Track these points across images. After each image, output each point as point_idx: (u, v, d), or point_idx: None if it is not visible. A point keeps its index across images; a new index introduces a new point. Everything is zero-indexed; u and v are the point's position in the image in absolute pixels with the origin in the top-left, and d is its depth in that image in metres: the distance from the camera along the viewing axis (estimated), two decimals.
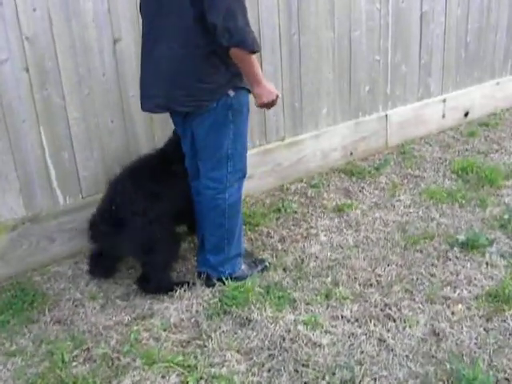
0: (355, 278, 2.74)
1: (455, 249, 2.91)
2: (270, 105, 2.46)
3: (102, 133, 2.96)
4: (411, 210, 3.36)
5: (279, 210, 3.44)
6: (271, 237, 3.18)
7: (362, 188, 3.67)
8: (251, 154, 3.49)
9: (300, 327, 2.41)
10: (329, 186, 3.74)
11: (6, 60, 2.60)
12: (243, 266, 2.81)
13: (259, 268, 2.83)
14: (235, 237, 2.70)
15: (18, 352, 2.41)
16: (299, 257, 2.95)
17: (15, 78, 2.64)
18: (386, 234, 3.11)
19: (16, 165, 2.76)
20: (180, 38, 2.29)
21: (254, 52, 2.28)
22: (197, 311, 2.60)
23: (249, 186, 3.52)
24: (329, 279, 2.74)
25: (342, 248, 3.01)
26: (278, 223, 3.31)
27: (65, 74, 2.77)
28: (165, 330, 2.48)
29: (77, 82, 2.81)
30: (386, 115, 4.12)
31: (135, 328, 2.49)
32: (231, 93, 2.40)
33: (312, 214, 3.38)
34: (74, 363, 2.33)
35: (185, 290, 2.71)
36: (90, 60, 2.82)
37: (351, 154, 3.99)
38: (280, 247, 3.05)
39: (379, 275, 2.74)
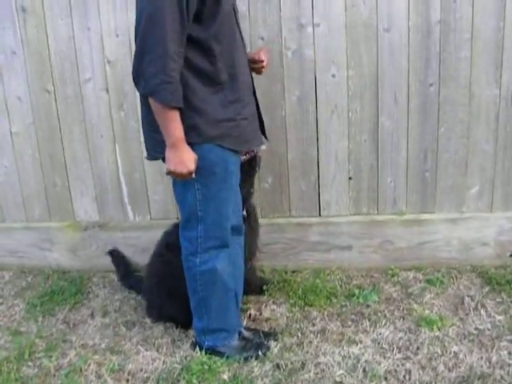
0: None
1: None
2: (178, 176, 2.00)
3: None
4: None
5: (353, 296, 2.77)
6: (313, 324, 2.60)
7: (483, 305, 2.60)
8: (353, 220, 2.93)
9: None
10: (447, 288, 2.79)
11: (89, 79, 2.89)
12: (235, 342, 2.42)
13: (249, 354, 2.38)
14: (212, 309, 2.33)
15: (18, 334, 2.70)
16: (306, 361, 2.34)
17: (96, 96, 2.90)
18: (435, 378, 2.17)
19: (93, 174, 3.05)
20: None
21: (170, 107, 1.88)
22: (156, 369, 2.39)
23: (344, 257, 2.99)
24: None
25: (364, 373, 2.24)
26: (337, 312, 2.66)
27: None
28: (113, 372, 2.37)
29: None
30: None
31: (94, 357, 2.46)
32: None
33: (384, 316, 2.59)
34: (30, 363, 2.47)
35: (175, 341, 2.53)
36: None
37: (511, 255, 2.86)
38: (305, 341, 2.48)
39: None
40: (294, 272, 3.06)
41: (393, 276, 2.95)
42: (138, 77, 1.91)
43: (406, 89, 2.73)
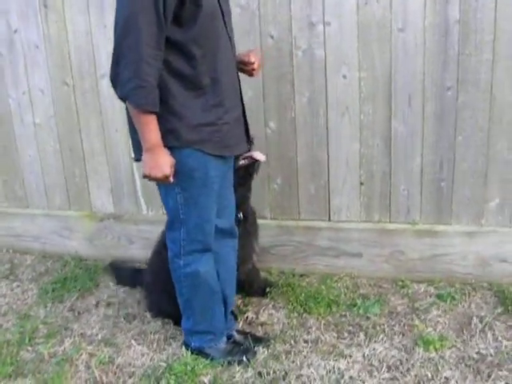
0: None
1: None
2: (154, 180, 1.98)
3: None
4: None
5: (354, 306, 2.67)
6: (308, 333, 2.53)
7: (491, 328, 2.42)
8: (363, 227, 2.82)
9: None
10: (457, 305, 2.62)
11: (105, 75, 2.93)
12: (223, 345, 2.41)
13: (234, 358, 2.35)
14: (196, 311, 2.33)
15: (26, 318, 2.82)
16: (289, 371, 2.27)
17: (111, 91, 2.89)
18: None
19: (109, 167, 3.12)
20: None
21: (144, 111, 1.86)
22: (143, 364, 2.42)
23: (354, 265, 2.89)
24: None
25: None
26: (334, 322, 2.57)
27: None
28: (102, 364, 2.42)
29: None
30: None
31: (88, 348, 2.53)
32: None
33: (383, 331, 2.47)
34: (29, 348, 2.58)
35: (166, 339, 2.56)
36: None
37: None
38: (295, 350, 2.41)
39: None
40: (301, 276, 2.99)
41: (402, 287, 2.81)
42: (115, 81, 1.93)
43: (421, 92, 2.57)
